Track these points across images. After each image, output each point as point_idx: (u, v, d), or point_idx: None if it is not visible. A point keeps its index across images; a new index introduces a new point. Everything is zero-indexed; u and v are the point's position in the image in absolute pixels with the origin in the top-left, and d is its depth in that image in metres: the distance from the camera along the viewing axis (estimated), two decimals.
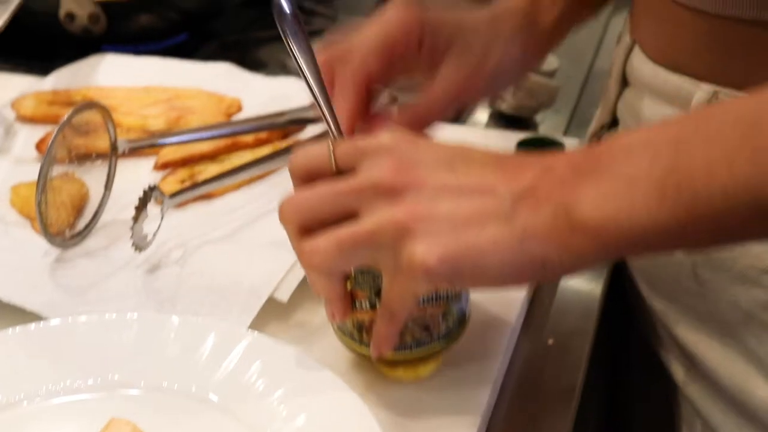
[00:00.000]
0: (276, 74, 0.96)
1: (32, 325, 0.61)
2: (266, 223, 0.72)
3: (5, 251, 0.70)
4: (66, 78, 0.93)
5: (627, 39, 0.72)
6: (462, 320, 0.60)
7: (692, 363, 0.71)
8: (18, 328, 0.60)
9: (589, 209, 0.47)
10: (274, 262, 0.66)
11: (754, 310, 0.64)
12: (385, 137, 0.51)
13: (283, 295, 0.65)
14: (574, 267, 0.49)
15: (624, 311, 0.82)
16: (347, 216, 0.50)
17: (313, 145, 0.55)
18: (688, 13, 0.62)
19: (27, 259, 0.69)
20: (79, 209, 0.73)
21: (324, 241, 0.50)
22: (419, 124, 0.60)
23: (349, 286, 0.55)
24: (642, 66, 0.70)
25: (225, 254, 0.69)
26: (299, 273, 0.66)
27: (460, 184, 0.49)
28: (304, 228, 0.51)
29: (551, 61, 0.96)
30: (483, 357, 0.62)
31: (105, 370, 0.59)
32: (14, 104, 0.88)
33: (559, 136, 0.86)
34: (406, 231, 0.48)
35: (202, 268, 0.67)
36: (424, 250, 0.48)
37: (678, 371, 0.73)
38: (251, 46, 1.12)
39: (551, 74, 0.95)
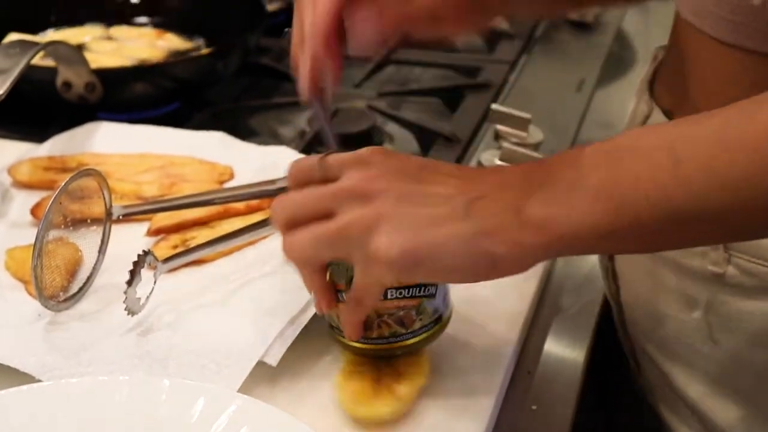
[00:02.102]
0: (267, 142, 0.98)
1: (25, 387, 0.61)
2: (257, 289, 0.73)
3: (0, 313, 0.71)
4: (62, 144, 0.95)
5: (644, 108, 0.74)
6: (438, 320, 0.65)
7: (704, 424, 0.71)
8: (12, 390, 0.61)
9: (535, 209, 0.55)
10: (264, 326, 0.68)
11: None
12: (364, 152, 0.60)
13: (273, 360, 0.66)
14: (522, 261, 0.56)
15: (616, 374, 0.83)
16: (326, 216, 0.58)
17: (309, 156, 0.64)
18: (733, 56, 0.65)
19: (21, 321, 0.70)
20: (72, 273, 0.74)
21: (302, 235, 0.59)
22: (402, 24, 0.66)
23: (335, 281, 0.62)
24: None
25: (216, 318, 0.70)
26: (288, 338, 0.67)
27: (423, 192, 0.57)
28: (290, 224, 0.59)
29: (536, 134, 0.99)
30: (467, 423, 0.63)
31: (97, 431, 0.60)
32: (10, 170, 0.89)
33: None
34: (373, 227, 0.56)
35: (193, 332, 0.68)
36: (388, 242, 0.55)
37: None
38: (243, 115, 1.14)
39: (536, 147, 0.97)
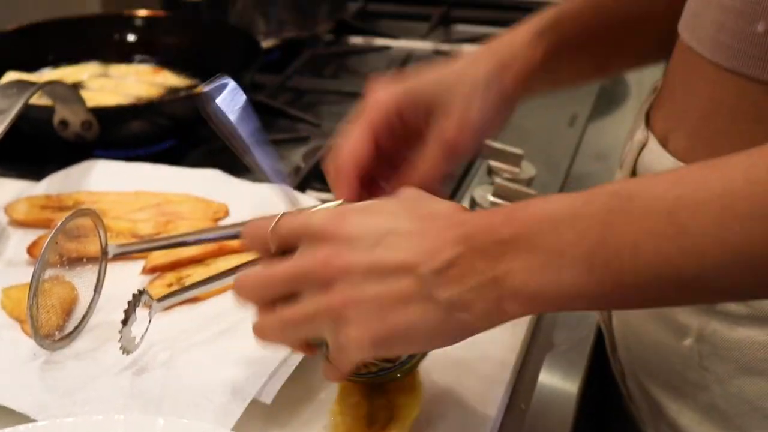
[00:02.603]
0: (263, 179, 0.99)
1: (21, 427, 0.62)
2: (251, 327, 0.74)
3: None
4: (58, 183, 0.95)
5: (640, 135, 0.74)
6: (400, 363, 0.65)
7: None
8: (7, 430, 0.61)
9: (519, 282, 0.52)
10: (258, 364, 0.68)
11: (760, 402, 0.66)
12: (316, 218, 0.58)
13: (267, 397, 0.66)
14: (503, 324, 0.55)
15: (607, 406, 0.83)
16: (292, 295, 0.58)
17: (261, 221, 0.62)
18: (731, 82, 0.64)
19: (16, 360, 0.71)
20: (68, 312, 0.74)
21: (270, 320, 0.60)
22: (424, 189, 0.64)
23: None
24: (655, 161, 0.72)
25: (211, 356, 0.71)
26: (283, 375, 0.68)
27: (385, 265, 0.54)
28: (257, 305, 0.61)
29: (528, 169, 1.00)
30: None
31: None
32: (7, 209, 0.90)
33: None
34: (339, 317, 0.55)
35: (187, 371, 0.69)
36: (357, 335, 0.55)
37: None
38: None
39: (528, 182, 0.98)
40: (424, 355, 0.65)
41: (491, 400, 0.69)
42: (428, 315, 0.54)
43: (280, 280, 0.59)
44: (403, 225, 0.56)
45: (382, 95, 0.71)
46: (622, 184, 0.59)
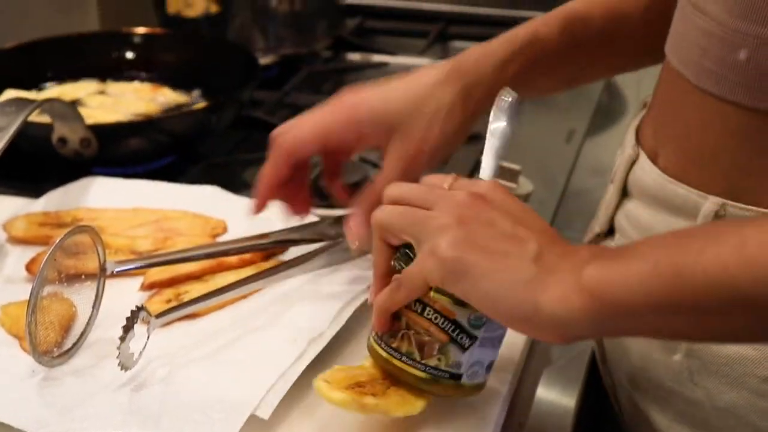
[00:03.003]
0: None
1: None
2: (250, 342, 0.74)
3: None
4: (57, 200, 0.96)
5: (630, 151, 0.75)
6: (455, 376, 0.64)
7: None
8: None
9: (593, 271, 0.56)
10: (256, 379, 0.68)
11: (750, 417, 0.67)
12: (488, 185, 0.65)
13: (265, 413, 0.66)
14: (560, 324, 0.57)
15: (603, 420, 0.84)
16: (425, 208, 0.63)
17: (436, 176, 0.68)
18: (716, 106, 0.66)
19: (14, 377, 0.71)
20: (67, 329, 0.75)
21: (395, 207, 0.65)
22: (376, 204, 0.69)
23: (434, 299, 0.63)
24: (646, 177, 0.73)
25: (209, 372, 0.71)
26: (281, 390, 0.68)
27: (510, 229, 0.60)
28: (394, 200, 0.66)
29: (525, 185, 1.00)
30: None
31: None
32: (5, 226, 0.90)
33: None
34: (449, 229, 0.60)
35: (186, 386, 0.69)
36: (449, 243, 0.59)
37: None
38: (237, 168, 1.15)
39: (525, 198, 0.99)
40: (441, 383, 0.65)
41: (489, 417, 0.69)
42: (516, 268, 0.58)
43: (431, 192, 0.64)
44: (537, 223, 0.62)
45: (346, 113, 0.78)
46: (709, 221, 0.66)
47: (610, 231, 0.79)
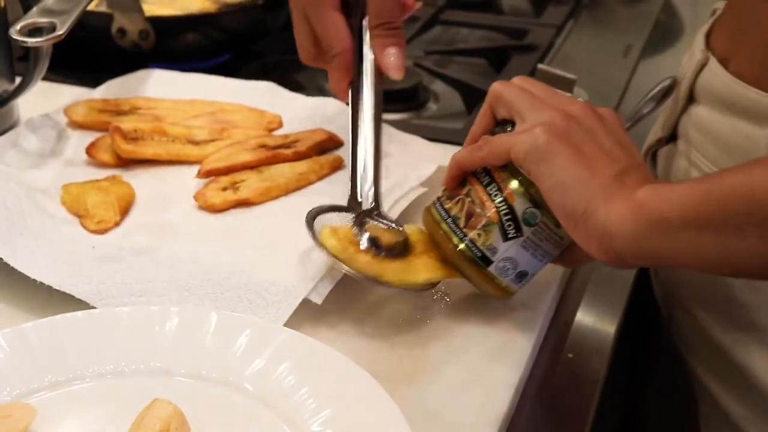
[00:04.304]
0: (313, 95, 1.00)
1: (80, 313, 0.64)
2: (304, 232, 0.75)
3: (56, 244, 0.73)
4: (115, 89, 0.97)
5: (698, 55, 0.75)
6: (486, 260, 0.66)
7: (737, 376, 0.72)
8: (68, 315, 0.64)
9: (647, 189, 0.59)
10: (310, 265, 0.70)
11: None
12: (602, 109, 0.66)
13: (318, 298, 0.68)
14: (606, 234, 0.59)
15: (648, 339, 0.84)
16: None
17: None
18: None
19: (76, 252, 0.73)
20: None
21: (517, 87, 0.68)
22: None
23: (503, 177, 0.66)
24: (716, 81, 0.72)
25: (264, 257, 0.72)
26: (334, 277, 0.69)
27: (608, 146, 0.63)
28: (519, 88, 0.68)
29: (581, 96, 1.00)
30: (505, 368, 0.65)
31: (148, 357, 0.62)
32: (66, 111, 0.92)
33: None
34: (555, 117, 0.63)
35: (243, 269, 0.70)
36: (549, 127, 0.62)
37: (712, 382, 0.75)
38: (291, 69, 1.15)
39: None
40: (473, 264, 0.66)
41: (538, 310, 0.70)
42: (594, 174, 0.61)
43: (552, 93, 0.67)
44: (626, 139, 0.65)
45: None
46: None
47: (671, 137, 0.79)
